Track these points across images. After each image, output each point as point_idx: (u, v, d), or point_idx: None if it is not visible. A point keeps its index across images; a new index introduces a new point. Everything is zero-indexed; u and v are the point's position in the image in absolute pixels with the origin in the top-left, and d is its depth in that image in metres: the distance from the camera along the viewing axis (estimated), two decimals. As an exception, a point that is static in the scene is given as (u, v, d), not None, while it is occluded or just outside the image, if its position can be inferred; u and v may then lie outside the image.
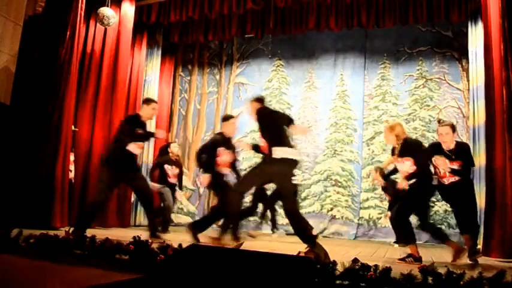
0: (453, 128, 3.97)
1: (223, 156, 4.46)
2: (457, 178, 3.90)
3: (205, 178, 4.45)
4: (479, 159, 5.37)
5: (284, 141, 3.74)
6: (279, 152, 3.62)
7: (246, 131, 7.68)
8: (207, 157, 4.49)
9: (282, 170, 3.66)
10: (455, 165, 3.91)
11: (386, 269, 2.39)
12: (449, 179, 3.93)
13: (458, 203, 4.01)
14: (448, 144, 3.93)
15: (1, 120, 5.04)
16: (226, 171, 4.54)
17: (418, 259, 3.70)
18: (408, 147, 3.95)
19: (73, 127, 5.65)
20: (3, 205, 4.74)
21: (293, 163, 3.69)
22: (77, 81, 5.70)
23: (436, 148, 4.02)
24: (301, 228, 3.54)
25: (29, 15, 5.54)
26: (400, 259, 3.76)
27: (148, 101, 4.58)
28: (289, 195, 3.75)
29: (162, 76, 7.70)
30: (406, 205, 3.96)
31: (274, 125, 3.84)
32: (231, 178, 4.64)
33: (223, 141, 4.51)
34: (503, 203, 4.15)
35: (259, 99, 4.07)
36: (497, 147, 4.34)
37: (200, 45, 8.21)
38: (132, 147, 4.25)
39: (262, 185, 5.30)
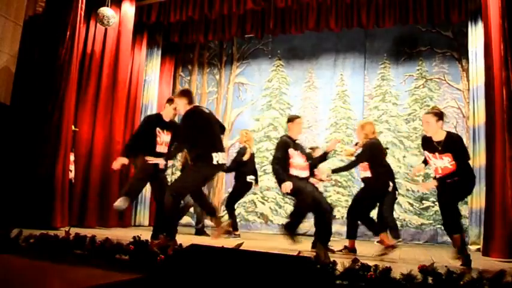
0: (438, 116, 3.62)
1: (294, 158, 4.28)
2: (453, 177, 3.53)
3: (285, 186, 4.14)
4: (479, 159, 5.38)
5: (222, 147, 3.97)
6: (219, 158, 3.80)
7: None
8: (279, 161, 4.26)
9: (215, 173, 4.12)
10: (444, 160, 3.55)
11: (386, 269, 2.39)
12: (443, 178, 3.61)
13: (440, 202, 3.65)
14: (434, 135, 3.62)
15: (1, 120, 5.04)
16: (301, 173, 4.32)
17: (390, 246, 3.89)
18: (365, 149, 4.18)
19: (73, 127, 5.65)
20: (3, 205, 4.74)
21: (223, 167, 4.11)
22: (77, 81, 5.70)
23: (424, 141, 3.75)
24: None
25: (29, 15, 5.53)
26: (379, 255, 3.82)
27: (170, 100, 4.47)
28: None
29: (162, 76, 7.70)
30: (363, 203, 4.24)
31: (213, 128, 3.96)
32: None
33: (292, 143, 4.35)
34: (503, 203, 4.15)
35: (189, 94, 4.05)
36: (497, 147, 4.34)
37: (200, 45, 8.21)
38: (157, 147, 4.30)
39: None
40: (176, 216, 4.13)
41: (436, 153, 3.59)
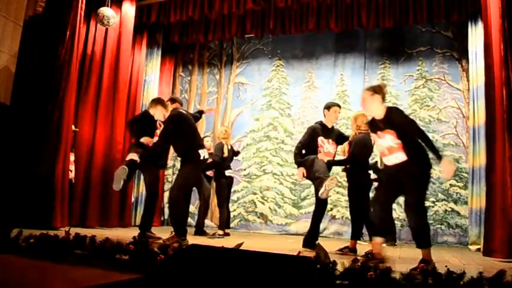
0: (372, 90, 3.33)
1: (323, 146, 4.20)
2: (401, 158, 3.15)
3: (299, 171, 4.23)
4: (479, 159, 5.37)
5: (203, 142, 4.43)
6: (205, 154, 4.22)
7: (246, 131, 7.68)
8: (305, 148, 4.24)
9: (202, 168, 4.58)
10: (387, 139, 3.19)
11: (386, 269, 2.39)
12: (389, 159, 3.24)
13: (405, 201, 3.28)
14: (374, 113, 3.34)
15: (1, 120, 5.04)
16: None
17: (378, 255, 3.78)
18: (353, 147, 4.12)
19: (74, 127, 5.65)
20: (3, 205, 4.74)
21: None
22: (78, 81, 5.71)
23: (370, 124, 3.50)
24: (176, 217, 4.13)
25: (29, 15, 5.53)
26: (363, 255, 3.77)
27: (169, 100, 4.75)
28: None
29: (162, 76, 7.70)
30: (358, 200, 4.16)
31: (195, 127, 4.39)
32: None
33: (322, 130, 4.26)
34: (503, 203, 4.15)
35: (162, 101, 4.43)
36: (497, 147, 4.34)
37: (200, 45, 8.21)
38: (143, 139, 4.60)
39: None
40: (183, 213, 4.35)
41: (379, 132, 3.26)
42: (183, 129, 4.20)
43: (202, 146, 4.29)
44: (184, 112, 4.51)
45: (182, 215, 4.27)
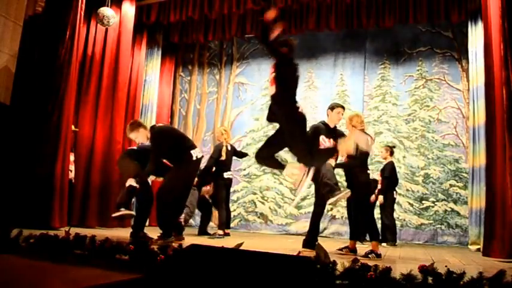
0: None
1: (324, 145, 4.20)
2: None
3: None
4: (479, 159, 5.37)
5: (193, 143, 4.43)
6: (197, 153, 4.26)
7: (246, 131, 7.69)
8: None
9: (198, 168, 4.50)
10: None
11: (387, 269, 2.39)
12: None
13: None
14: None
15: (1, 120, 5.04)
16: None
17: (377, 253, 3.83)
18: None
19: (73, 127, 5.65)
20: (3, 205, 4.74)
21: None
22: (78, 81, 5.71)
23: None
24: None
25: (29, 15, 5.53)
26: (363, 255, 3.77)
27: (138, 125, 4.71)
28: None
29: (162, 76, 7.70)
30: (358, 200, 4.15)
31: (178, 133, 4.52)
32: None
33: (325, 129, 4.30)
34: (503, 203, 4.15)
35: (140, 123, 4.61)
36: (497, 147, 4.33)
37: (200, 45, 8.21)
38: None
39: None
40: (170, 217, 4.22)
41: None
42: (171, 142, 4.23)
43: (194, 147, 4.30)
44: (164, 125, 4.65)
45: (169, 219, 4.19)
